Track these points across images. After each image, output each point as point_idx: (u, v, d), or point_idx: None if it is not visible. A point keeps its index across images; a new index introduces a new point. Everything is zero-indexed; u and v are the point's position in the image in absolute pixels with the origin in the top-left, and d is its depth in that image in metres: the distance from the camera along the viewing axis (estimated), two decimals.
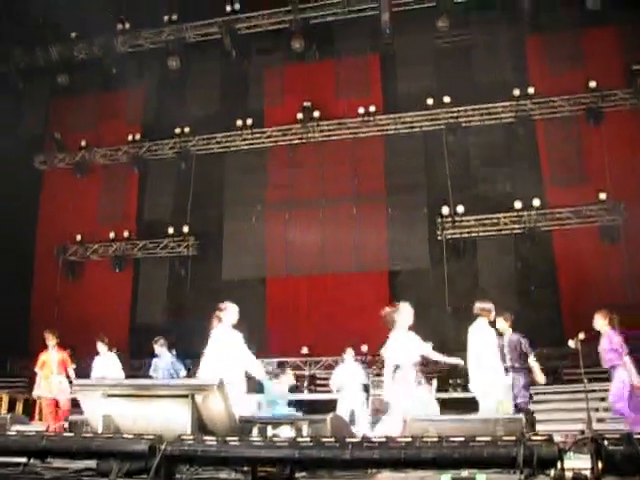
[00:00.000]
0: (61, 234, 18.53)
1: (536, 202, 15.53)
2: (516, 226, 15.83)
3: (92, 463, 4.14)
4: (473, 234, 16.16)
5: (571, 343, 9.47)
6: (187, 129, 18.54)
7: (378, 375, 14.83)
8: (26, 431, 5.32)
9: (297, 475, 3.73)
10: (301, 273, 16.91)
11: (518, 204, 15.64)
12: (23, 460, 4.32)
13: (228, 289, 16.85)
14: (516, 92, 16.25)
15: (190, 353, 16.83)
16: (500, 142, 16.41)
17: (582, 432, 8.74)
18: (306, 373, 15.94)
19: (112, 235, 18.41)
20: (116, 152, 19.19)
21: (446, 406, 11.35)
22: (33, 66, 19.78)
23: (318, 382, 15.63)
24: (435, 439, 3.65)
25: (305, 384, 15.44)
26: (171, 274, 18.17)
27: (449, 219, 16.12)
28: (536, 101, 16.25)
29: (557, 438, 3.61)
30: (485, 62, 16.50)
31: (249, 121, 18.10)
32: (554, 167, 15.76)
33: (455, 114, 16.74)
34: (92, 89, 19.45)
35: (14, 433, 4.99)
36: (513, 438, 3.49)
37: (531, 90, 16.19)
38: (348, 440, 3.90)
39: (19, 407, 12.42)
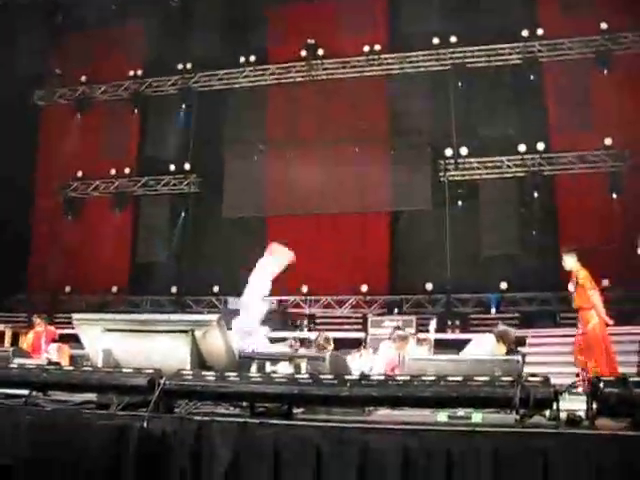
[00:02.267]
0: (61, 171, 18.44)
1: (540, 146, 15.42)
2: (519, 170, 15.75)
3: (92, 396, 4.18)
4: (476, 177, 16.09)
5: (570, 287, 9.53)
6: (189, 65, 18.29)
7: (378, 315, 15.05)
8: (27, 364, 5.37)
9: (295, 411, 3.77)
10: (302, 213, 16.89)
11: (522, 147, 15.54)
12: (25, 392, 4.36)
13: (229, 227, 16.88)
14: (524, 33, 15.95)
15: (190, 290, 17.09)
16: (506, 84, 16.12)
17: (577, 375, 8.83)
18: (306, 312, 16.08)
19: (113, 172, 18.35)
20: (117, 88, 18.94)
21: (444, 346, 11.54)
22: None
23: (318, 320, 15.76)
24: (433, 378, 3.67)
25: (305, 322, 15.56)
26: (172, 212, 18.13)
27: (452, 161, 16.04)
28: (544, 43, 15.91)
29: (553, 380, 3.62)
30: (494, 2, 16.10)
31: (252, 58, 17.85)
32: (560, 111, 15.49)
33: (461, 54, 16.43)
34: (92, 24, 18.99)
35: (16, 366, 5.03)
36: (510, 379, 3.51)
37: (540, 31, 15.86)
38: (346, 377, 3.93)
39: (22, 341, 12.50)
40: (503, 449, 3.09)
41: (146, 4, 18.77)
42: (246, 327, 7.23)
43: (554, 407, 3.44)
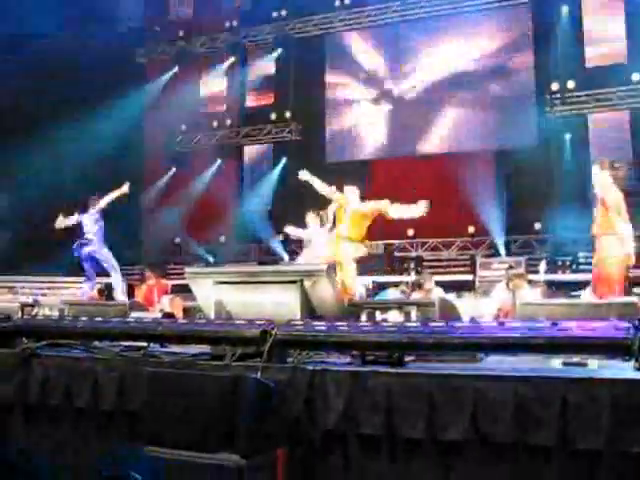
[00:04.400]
0: (166, 126, 18.86)
1: None
2: (632, 101, 14.98)
3: (206, 348, 4.30)
4: (584, 110, 15.44)
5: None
6: (284, 12, 18.23)
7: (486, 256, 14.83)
8: (144, 317, 5.57)
9: (406, 359, 3.76)
10: (405, 154, 16.77)
11: (635, 76, 14.74)
12: (142, 344, 4.52)
13: (331, 173, 16.84)
14: None
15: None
16: (615, 12, 15.25)
17: None
18: (413, 255, 16.01)
19: (215, 124, 18.63)
20: (214, 41, 19.13)
21: (555, 288, 11.27)
22: None
23: (425, 264, 15.65)
24: (546, 323, 3.58)
25: (412, 265, 15.49)
26: (274, 160, 18.32)
27: (558, 95, 15.43)
28: None
29: None
30: None
31: (347, 1, 17.61)
32: None
33: None
34: None
35: (133, 319, 5.23)
36: (628, 324, 3.37)
37: None
38: (457, 324, 3.89)
39: (136, 294, 12.98)
40: (622, 398, 2.98)
41: None
42: None
43: None
